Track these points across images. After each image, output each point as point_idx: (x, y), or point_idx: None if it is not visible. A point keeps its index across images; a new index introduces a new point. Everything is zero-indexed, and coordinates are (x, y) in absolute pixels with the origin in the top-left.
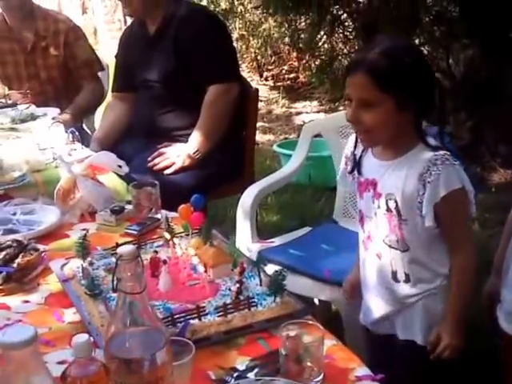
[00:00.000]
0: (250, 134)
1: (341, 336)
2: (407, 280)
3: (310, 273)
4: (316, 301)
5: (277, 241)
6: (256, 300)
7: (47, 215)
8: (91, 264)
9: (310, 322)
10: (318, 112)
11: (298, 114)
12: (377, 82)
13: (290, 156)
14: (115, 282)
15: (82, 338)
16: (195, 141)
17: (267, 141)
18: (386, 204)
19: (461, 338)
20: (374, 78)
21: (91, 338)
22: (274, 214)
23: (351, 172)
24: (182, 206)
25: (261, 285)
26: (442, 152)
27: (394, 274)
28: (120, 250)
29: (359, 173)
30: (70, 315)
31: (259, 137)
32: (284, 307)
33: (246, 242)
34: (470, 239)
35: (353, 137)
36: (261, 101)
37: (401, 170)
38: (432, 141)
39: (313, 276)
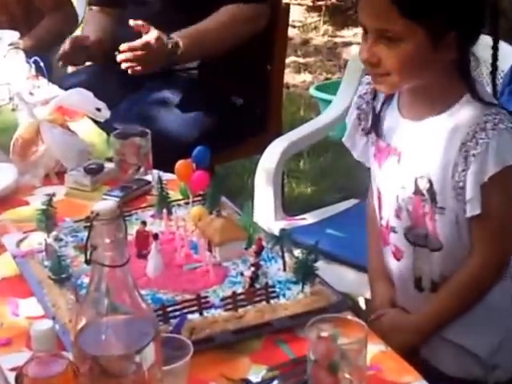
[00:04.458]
0: (276, 72)
1: None
2: (433, 289)
3: (353, 261)
4: (361, 301)
5: (309, 218)
6: (277, 289)
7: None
8: (58, 240)
9: (350, 318)
10: None
11: (346, 45)
12: (402, 5)
13: (330, 102)
14: (89, 252)
15: (44, 324)
16: (180, 35)
17: (301, 82)
18: (415, 184)
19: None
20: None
21: (56, 327)
22: (308, 183)
23: (368, 133)
24: (181, 161)
25: (284, 269)
26: (494, 110)
27: (418, 281)
28: (97, 206)
29: (377, 135)
30: (28, 307)
31: (290, 77)
32: (314, 299)
33: (266, 219)
34: (506, 238)
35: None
36: (293, 26)
37: (438, 135)
38: (484, 92)
39: (357, 266)
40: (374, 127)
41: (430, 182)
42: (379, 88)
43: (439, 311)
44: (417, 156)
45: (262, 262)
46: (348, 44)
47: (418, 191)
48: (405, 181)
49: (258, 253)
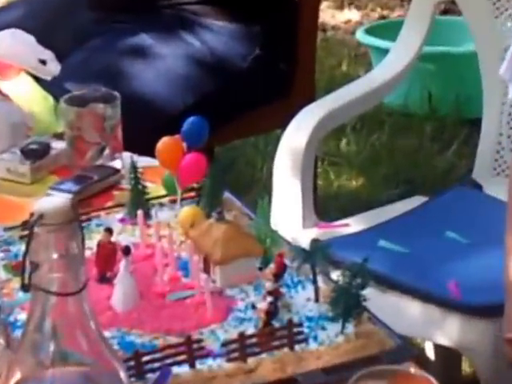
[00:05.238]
0: (307, 7)
1: None
2: None
3: (419, 289)
4: (428, 348)
5: (354, 223)
6: (306, 329)
7: None
8: None
9: (413, 372)
10: None
11: None
12: None
13: (387, 52)
14: (27, 273)
15: None
16: None
17: (345, 23)
18: None
19: None
20: None
21: None
22: (353, 172)
23: None
24: (165, 139)
25: (317, 300)
26: None
27: None
28: (39, 206)
29: None
30: None
31: (329, 14)
32: (361, 344)
33: (290, 225)
34: None
35: None
36: None
37: None
38: None
39: (425, 296)
40: None
41: None
42: None
43: None
44: None
45: (283, 290)
46: None
47: None
48: None
49: (278, 275)
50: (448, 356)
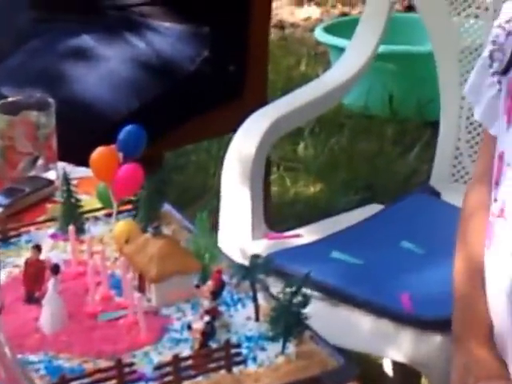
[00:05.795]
0: (259, 4)
1: None
2: None
3: (372, 301)
4: (387, 364)
5: (307, 233)
6: (245, 350)
7: None
8: None
9: None
10: None
11: None
12: None
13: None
14: None
15: None
16: None
17: (304, 20)
18: None
19: None
20: None
21: None
22: (310, 178)
23: (504, 72)
24: (99, 149)
25: (257, 318)
26: None
27: None
28: None
29: None
30: None
31: (287, 11)
32: (302, 365)
33: (239, 235)
34: None
35: None
36: None
37: None
38: None
39: (378, 308)
40: None
41: None
42: None
43: None
44: None
45: (222, 308)
46: None
47: None
48: None
49: (216, 293)
50: (406, 372)
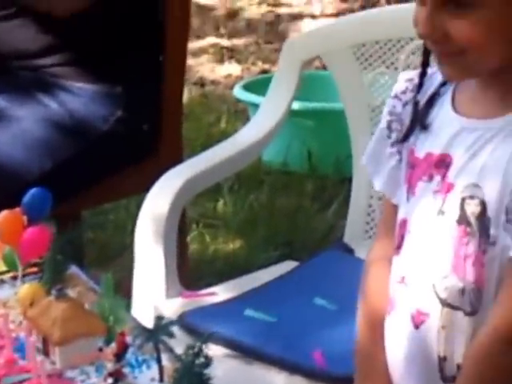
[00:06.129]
0: (172, 64)
1: None
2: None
3: (285, 358)
4: None
5: (222, 291)
6: None
7: None
8: None
9: None
10: (334, 15)
11: (294, 18)
12: None
13: None
14: None
15: None
16: None
17: (225, 77)
18: (461, 207)
19: None
20: None
21: None
22: (230, 234)
23: (403, 140)
24: (4, 212)
25: (161, 379)
26: None
27: (442, 365)
28: None
29: (423, 127)
30: None
31: (208, 68)
32: None
33: (153, 294)
34: None
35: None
36: None
37: (506, 142)
38: None
39: (292, 365)
40: (416, 129)
41: (484, 204)
42: (446, 73)
43: None
44: (471, 168)
45: (126, 369)
46: (297, 17)
47: (463, 218)
48: (446, 204)
49: (120, 355)
50: None
